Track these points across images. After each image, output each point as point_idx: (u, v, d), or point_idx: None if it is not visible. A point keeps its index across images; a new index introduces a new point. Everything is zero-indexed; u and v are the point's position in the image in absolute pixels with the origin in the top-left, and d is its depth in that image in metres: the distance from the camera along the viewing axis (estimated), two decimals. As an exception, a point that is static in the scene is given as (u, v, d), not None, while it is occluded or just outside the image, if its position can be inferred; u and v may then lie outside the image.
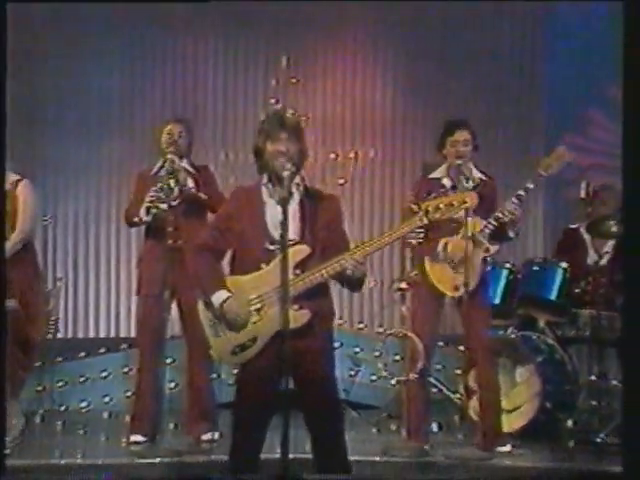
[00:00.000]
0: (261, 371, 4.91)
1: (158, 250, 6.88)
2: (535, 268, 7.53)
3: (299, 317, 4.80)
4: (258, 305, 4.88)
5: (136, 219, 6.97)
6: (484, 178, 6.82)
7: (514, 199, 6.62)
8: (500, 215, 6.59)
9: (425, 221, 4.95)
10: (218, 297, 4.89)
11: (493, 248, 6.44)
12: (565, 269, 7.37)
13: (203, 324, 5.04)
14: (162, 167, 6.94)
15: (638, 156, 3.34)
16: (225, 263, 5.16)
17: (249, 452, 5.02)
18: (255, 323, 4.89)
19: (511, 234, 6.76)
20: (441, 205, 4.97)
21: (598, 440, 6.87)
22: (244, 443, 5.03)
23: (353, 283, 4.98)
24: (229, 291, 4.91)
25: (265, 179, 5.00)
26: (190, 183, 6.92)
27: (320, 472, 4.93)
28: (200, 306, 5.03)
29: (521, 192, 6.61)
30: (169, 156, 6.92)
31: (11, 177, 7.11)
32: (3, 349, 3.92)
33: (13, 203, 7.08)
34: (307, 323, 4.84)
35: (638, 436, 3.82)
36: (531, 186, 6.64)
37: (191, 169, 7.05)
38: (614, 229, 7.44)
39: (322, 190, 5.21)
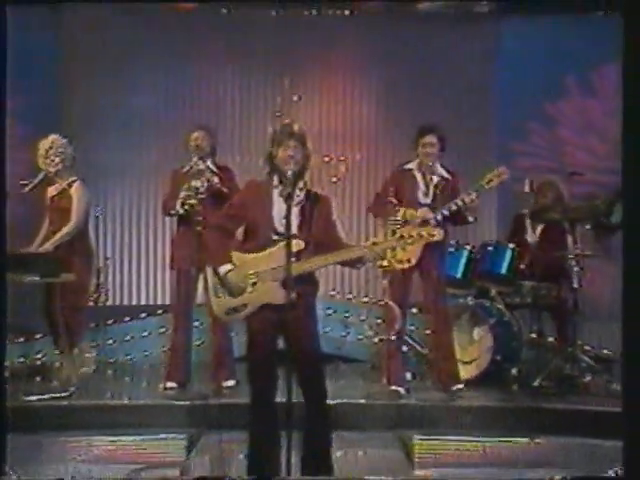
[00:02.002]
0: (256, 331, 4.99)
1: (187, 234, 6.92)
2: (489, 249, 7.54)
3: (290, 296, 4.73)
4: (254, 279, 4.92)
5: (173, 212, 7.02)
6: (446, 175, 6.88)
7: (467, 195, 6.70)
8: (458, 203, 6.68)
9: (400, 243, 5.09)
10: (224, 268, 4.95)
11: (438, 234, 6.51)
12: (513, 249, 7.42)
13: (209, 285, 5.10)
14: (191, 167, 6.95)
15: (638, 156, 3.29)
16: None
17: (262, 395, 5.01)
18: (250, 293, 4.93)
19: (470, 219, 6.85)
20: (413, 234, 5.08)
21: (535, 384, 6.98)
22: (258, 386, 5.03)
23: (356, 265, 5.13)
24: (233, 265, 4.95)
25: (275, 181, 5.00)
26: (215, 179, 6.92)
27: (306, 413, 4.93)
28: (209, 273, 5.08)
29: (472, 192, 6.70)
30: (194, 159, 6.96)
31: (69, 179, 7.22)
32: (3, 350, 3.77)
33: (68, 199, 7.18)
34: (295, 301, 4.79)
35: (638, 436, 3.58)
36: (474, 194, 6.70)
37: (214, 168, 7.05)
38: (551, 216, 7.59)
39: (319, 193, 5.17)
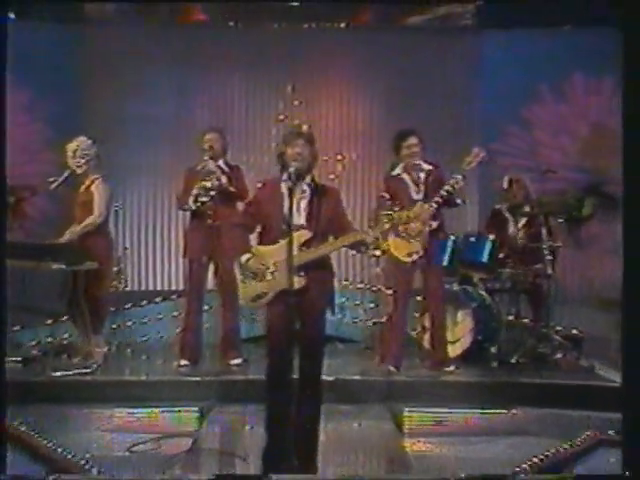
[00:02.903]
0: (275, 315, 4.98)
1: (199, 227, 6.98)
2: (472, 239, 7.48)
3: (299, 282, 4.83)
4: (273, 269, 4.94)
5: (186, 207, 7.05)
6: (430, 168, 6.90)
7: (452, 180, 6.74)
8: (446, 189, 6.70)
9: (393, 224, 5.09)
10: (244, 257, 5.00)
11: (434, 224, 6.53)
12: (493, 240, 7.37)
13: (237, 278, 5.10)
14: (203, 167, 6.97)
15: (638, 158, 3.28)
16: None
17: (278, 373, 4.95)
18: (269, 281, 4.95)
19: (458, 201, 6.85)
20: (403, 215, 5.13)
21: (513, 361, 7.03)
22: (274, 364, 4.99)
23: (359, 249, 5.13)
24: (252, 254, 5.00)
25: (285, 176, 4.98)
26: (224, 179, 6.94)
27: (302, 387, 4.93)
28: (236, 266, 5.09)
29: (457, 176, 6.74)
30: (206, 159, 7.00)
31: (91, 177, 7.25)
32: (3, 351, 3.89)
33: (90, 194, 7.21)
34: (305, 285, 4.88)
35: (638, 435, 3.54)
36: (459, 177, 6.74)
37: (225, 168, 7.06)
38: (527, 210, 7.63)
39: (327, 185, 5.22)
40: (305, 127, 4.86)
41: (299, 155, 4.98)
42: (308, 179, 5.04)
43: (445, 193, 6.72)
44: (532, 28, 9.02)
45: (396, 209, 5.21)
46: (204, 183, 6.88)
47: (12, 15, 9.01)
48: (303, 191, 4.99)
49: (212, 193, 6.86)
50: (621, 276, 4.14)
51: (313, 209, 4.99)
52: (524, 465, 5.05)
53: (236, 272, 5.10)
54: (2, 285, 4.06)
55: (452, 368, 6.95)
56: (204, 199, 6.87)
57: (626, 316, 3.38)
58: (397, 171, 6.98)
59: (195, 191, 6.90)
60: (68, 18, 9.16)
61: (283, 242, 4.86)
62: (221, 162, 7.08)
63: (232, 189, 6.85)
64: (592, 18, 8.47)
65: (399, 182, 6.93)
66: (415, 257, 6.69)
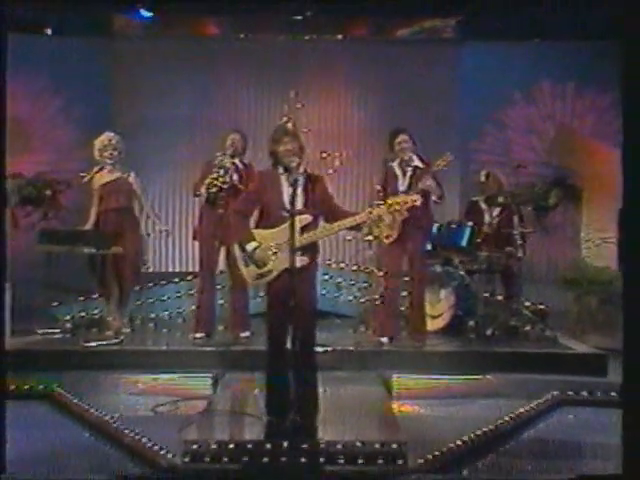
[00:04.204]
0: (276, 291, 4.97)
1: (211, 214, 6.91)
2: (453, 226, 7.44)
3: (301, 260, 4.84)
4: (275, 250, 4.91)
5: (198, 193, 6.98)
6: (421, 165, 6.82)
7: (425, 179, 6.68)
8: (418, 188, 6.60)
9: (389, 210, 5.03)
10: (250, 246, 4.93)
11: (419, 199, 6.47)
12: (472, 227, 7.33)
13: (238, 259, 5.08)
14: (218, 162, 6.87)
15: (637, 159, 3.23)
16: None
17: (278, 343, 4.97)
18: (272, 261, 4.94)
19: (434, 197, 6.79)
20: (399, 200, 5.11)
21: (488, 333, 7.02)
22: (273, 336, 5.00)
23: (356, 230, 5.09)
24: (258, 242, 4.94)
25: (281, 170, 4.99)
26: (235, 176, 6.88)
27: (300, 357, 4.87)
28: (236, 248, 5.07)
29: (427, 178, 6.68)
30: (220, 154, 6.93)
31: (122, 169, 7.23)
32: (3, 349, 3.73)
33: (128, 186, 7.17)
34: (306, 265, 4.91)
35: (638, 436, 3.34)
36: (429, 179, 6.68)
37: (240, 165, 6.97)
38: (500, 200, 7.63)
39: (314, 173, 5.16)
40: (289, 125, 4.80)
41: (289, 152, 4.96)
42: (300, 169, 5.01)
43: (421, 188, 6.65)
44: (506, 41, 9.08)
45: (389, 200, 5.21)
46: (216, 176, 6.84)
47: (49, 31, 9.13)
48: (297, 180, 4.94)
49: (223, 186, 6.82)
50: (621, 276, 4.01)
51: (308, 195, 4.98)
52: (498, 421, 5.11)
53: (236, 253, 5.08)
54: (2, 285, 3.90)
55: (426, 343, 6.87)
56: (214, 189, 6.84)
57: (626, 315, 3.28)
58: (392, 163, 6.95)
59: (208, 180, 6.86)
60: (98, 32, 9.23)
61: (284, 225, 4.84)
62: (237, 160, 7.02)
63: (241, 186, 6.79)
64: (558, 32, 8.62)
65: (391, 173, 6.91)
66: (390, 239, 6.69)
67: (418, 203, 5.22)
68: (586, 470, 4.65)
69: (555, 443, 5.19)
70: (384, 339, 6.87)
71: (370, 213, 4.98)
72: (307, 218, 4.92)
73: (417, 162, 6.85)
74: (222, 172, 6.85)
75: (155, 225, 7.56)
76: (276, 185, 5.00)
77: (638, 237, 3.26)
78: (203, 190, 6.90)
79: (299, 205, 4.91)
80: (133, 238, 7.19)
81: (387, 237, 6.74)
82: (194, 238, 7.16)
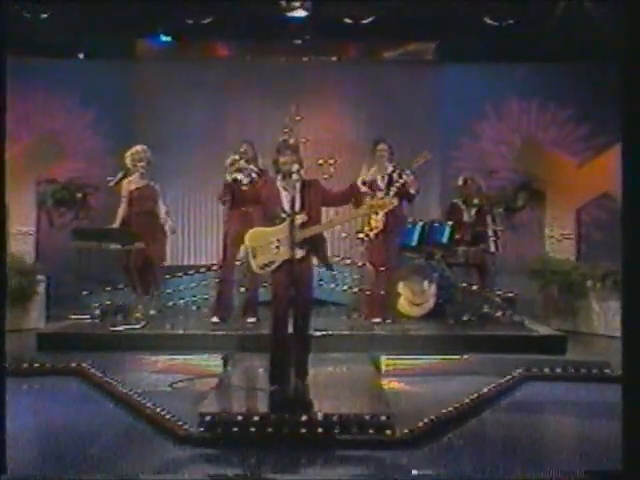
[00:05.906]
0: (279, 281, 5.02)
1: (235, 214, 6.89)
2: (435, 225, 7.37)
3: (300, 253, 4.92)
4: (276, 244, 4.98)
5: (226, 180, 6.92)
6: (392, 169, 6.90)
7: (404, 174, 6.77)
8: (401, 183, 6.76)
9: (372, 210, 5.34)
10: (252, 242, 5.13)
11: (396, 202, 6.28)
12: (452, 225, 7.26)
13: (248, 251, 5.15)
14: (234, 163, 6.88)
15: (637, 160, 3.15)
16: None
17: (281, 328, 5.03)
18: (274, 254, 4.99)
19: (412, 191, 6.85)
20: (379, 202, 5.36)
21: (465, 318, 7.00)
22: (277, 322, 5.05)
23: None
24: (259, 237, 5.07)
25: (280, 177, 5.10)
26: (254, 174, 6.83)
27: (297, 340, 4.99)
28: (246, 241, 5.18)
29: (407, 172, 6.77)
30: (235, 156, 6.92)
31: (149, 178, 7.20)
32: (3, 349, 3.55)
33: (153, 192, 7.18)
34: (304, 256, 4.98)
35: (638, 436, 3.12)
36: (408, 171, 6.77)
37: (256, 170, 6.92)
38: (477, 202, 7.61)
39: (309, 179, 5.21)
40: (292, 140, 4.94)
41: (288, 163, 5.05)
42: (297, 177, 5.06)
43: (399, 184, 6.74)
44: (479, 62, 9.14)
45: (371, 202, 5.36)
46: (232, 176, 6.83)
47: (82, 55, 9.19)
48: (294, 186, 5.03)
49: (244, 181, 6.79)
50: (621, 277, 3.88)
51: (305, 199, 5.04)
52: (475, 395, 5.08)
53: (247, 248, 5.16)
54: (2, 285, 3.70)
55: (389, 320, 6.89)
56: (237, 175, 6.81)
57: (626, 316, 3.19)
58: (372, 170, 6.99)
59: (231, 168, 6.84)
60: (123, 55, 9.27)
61: (285, 223, 4.92)
62: (252, 166, 6.95)
63: (259, 182, 6.71)
64: (524, 55, 8.76)
65: (373, 181, 6.97)
66: (376, 231, 6.79)
67: (395, 205, 5.34)
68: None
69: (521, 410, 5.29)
70: (377, 319, 6.90)
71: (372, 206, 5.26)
72: (302, 217, 4.97)
73: (390, 168, 6.90)
74: (241, 174, 6.83)
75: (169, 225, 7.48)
76: (277, 191, 5.10)
77: (638, 237, 3.12)
78: (228, 176, 6.83)
79: (297, 206, 4.98)
80: (157, 237, 7.18)
81: (372, 229, 6.82)
82: (224, 241, 7.08)
